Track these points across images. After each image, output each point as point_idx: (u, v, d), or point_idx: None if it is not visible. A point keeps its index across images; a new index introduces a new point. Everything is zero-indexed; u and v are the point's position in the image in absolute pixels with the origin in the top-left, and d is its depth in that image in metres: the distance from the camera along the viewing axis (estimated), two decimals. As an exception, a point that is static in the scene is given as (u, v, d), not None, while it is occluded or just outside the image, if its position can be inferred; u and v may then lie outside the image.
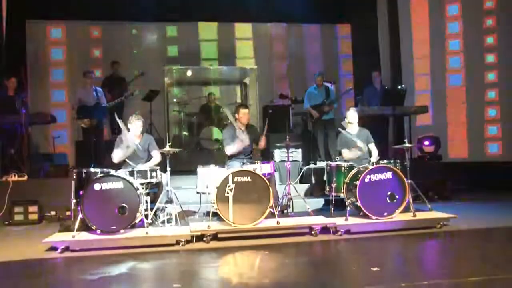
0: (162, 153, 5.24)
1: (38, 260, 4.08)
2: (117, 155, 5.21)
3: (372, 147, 5.73)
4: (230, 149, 5.44)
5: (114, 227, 4.44)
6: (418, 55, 9.35)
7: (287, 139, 5.62)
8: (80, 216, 4.42)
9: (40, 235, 4.68)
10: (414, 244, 4.53)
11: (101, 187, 4.46)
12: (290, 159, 6.34)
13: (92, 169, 4.82)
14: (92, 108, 6.86)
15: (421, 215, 5.09)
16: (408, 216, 5.02)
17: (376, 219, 4.89)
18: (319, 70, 8.36)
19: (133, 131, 5.26)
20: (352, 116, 5.72)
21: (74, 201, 4.65)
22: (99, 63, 9.04)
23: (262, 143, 5.54)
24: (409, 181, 5.15)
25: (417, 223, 4.95)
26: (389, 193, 4.94)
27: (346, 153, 5.70)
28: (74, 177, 4.74)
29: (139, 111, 6.84)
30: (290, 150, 6.52)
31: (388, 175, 4.98)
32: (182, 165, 7.15)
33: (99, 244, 4.33)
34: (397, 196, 4.95)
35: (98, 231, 4.42)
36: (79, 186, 4.64)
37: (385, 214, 4.92)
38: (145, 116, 5.93)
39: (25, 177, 6.11)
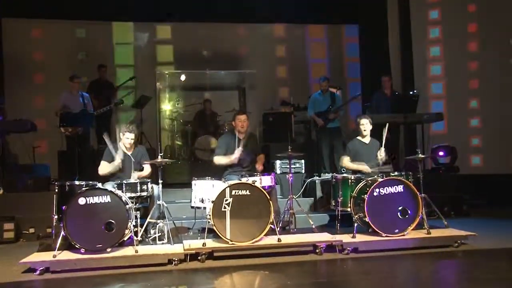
0: (153, 165, 5.28)
1: (14, 284, 4.03)
2: (103, 168, 5.26)
3: (381, 152, 5.69)
4: (217, 159, 5.57)
5: (100, 245, 4.44)
6: (432, 58, 9.40)
7: (289, 149, 5.64)
8: (62, 233, 4.42)
9: (16, 256, 4.64)
10: (429, 265, 4.53)
11: (86, 202, 4.47)
12: (293, 171, 6.37)
13: (76, 182, 4.83)
14: (78, 115, 6.88)
15: (436, 233, 5.10)
16: (421, 234, 5.04)
17: (386, 236, 4.90)
18: (324, 74, 8.44)
19: (123, 142, 5.32)
20: (367, 126, 5.74)
21: (55, 217, 4.65)
22: (85, 66, 9.06)
23: (259, 165, 5.61)
24: (423, 195, 5.19)
25: (432, 241, 4.96)
26: (400, 208, 4.96)
27: (347, 162, 5.75)
28: (56, 190, 4.75)
29: (131, 119, 6.83)
30: (293, 161, 6.55)
31: (400, 188, 5.01)
32: (175, 177, 7.19)
33: (83, 265, 4.33)
34: (409, 212, 4.96)
35: (82, 250, 4.41)
36: (61, 200, 4.64)
37: (396, 231, 4.94)
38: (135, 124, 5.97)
39: (1, 191, 6.12)
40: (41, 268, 4.26)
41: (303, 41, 10.16)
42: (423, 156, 5.57)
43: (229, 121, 8.52)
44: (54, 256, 4.33)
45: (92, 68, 8.33)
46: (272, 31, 10.14)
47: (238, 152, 5.46)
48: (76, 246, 4.43)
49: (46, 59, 9.10)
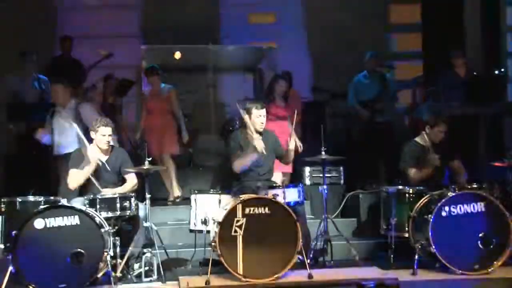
0: (139, 174, 5.29)
1: None
2: (75, 178, 5.22)
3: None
4: (238, 165, 5.35)
5: (64, 285, 4.46)
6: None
7: (323, 152, 5.61)
8: (11, 269, 4.44)
9: None
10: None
11: (46, 225, 4.50)
12: (328, 181, 6.34)
13: (31, 197, 4.87)
14: (33, 106, 6.94)
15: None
16: (514, 272, 5.02)
17: (462, 274, 4.88)
18: (371, 49, 8.34)
19: (97, 143, 5.28)
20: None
21: (1, 246, 4.70)
22: (41, 39, 8.99)
23: (291, 146, 5.49)
24: (515, 216, 5.15)
25: (532, 283, 4.92)
26: (481, 235, 4.95)
27: (415, 173, 5.72)
28: (3, 210, 4.78)
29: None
30: (328, 168, 6.54)
31: (480, 206, 4.99)
32: (168, 190, 7.19)
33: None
34: (494, 240, 4.94)
35: (40, 292, 4.45)
36: (10, 223, 4.68)
37: (476, 267, 4.93)
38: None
39: None
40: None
41: (341, 3, 10.07)
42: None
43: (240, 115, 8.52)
44: (-2, 301, 4.38)
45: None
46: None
47: (254, 156, 5.29)
48: (31, 286, 4.43)
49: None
